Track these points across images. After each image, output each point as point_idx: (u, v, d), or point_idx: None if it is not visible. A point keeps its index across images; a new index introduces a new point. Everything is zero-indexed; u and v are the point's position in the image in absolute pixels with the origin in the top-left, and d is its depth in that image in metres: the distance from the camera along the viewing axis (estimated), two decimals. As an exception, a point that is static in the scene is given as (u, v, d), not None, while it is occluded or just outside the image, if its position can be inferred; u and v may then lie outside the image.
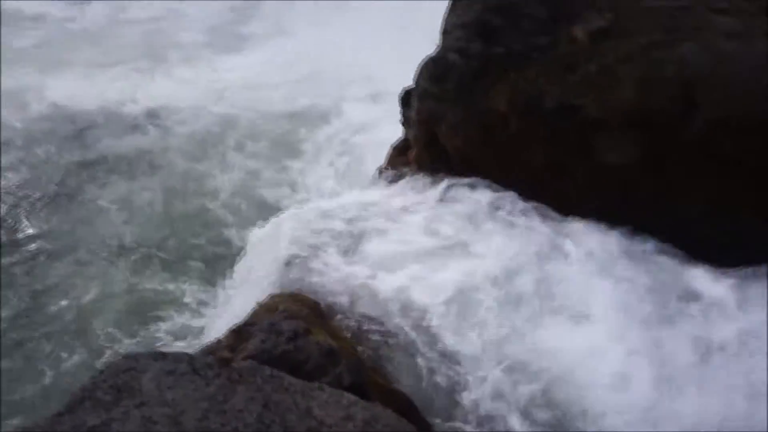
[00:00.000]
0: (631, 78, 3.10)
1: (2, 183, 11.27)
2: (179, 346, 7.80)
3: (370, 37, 16.56)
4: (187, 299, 8.47)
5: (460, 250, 3.02)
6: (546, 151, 3.29)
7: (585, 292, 2.79)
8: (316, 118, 13.56)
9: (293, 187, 11.11)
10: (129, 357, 1.93)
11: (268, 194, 10.84)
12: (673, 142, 3.02)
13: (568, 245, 3.00)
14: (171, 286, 8.72)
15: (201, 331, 7.98)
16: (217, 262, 9.17)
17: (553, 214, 3.32)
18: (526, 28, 3.41)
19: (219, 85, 14.83)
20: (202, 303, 8.44)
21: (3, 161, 12.05)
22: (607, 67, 3.23)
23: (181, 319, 8.14)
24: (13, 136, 13.11)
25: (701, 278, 2.82)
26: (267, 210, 10.14)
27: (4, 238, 9.85)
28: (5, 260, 9.35)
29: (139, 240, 9.77)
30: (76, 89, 15.08)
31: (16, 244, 9.80)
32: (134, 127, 13.39)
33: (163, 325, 7.98)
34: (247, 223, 9.94)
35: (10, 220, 10.36)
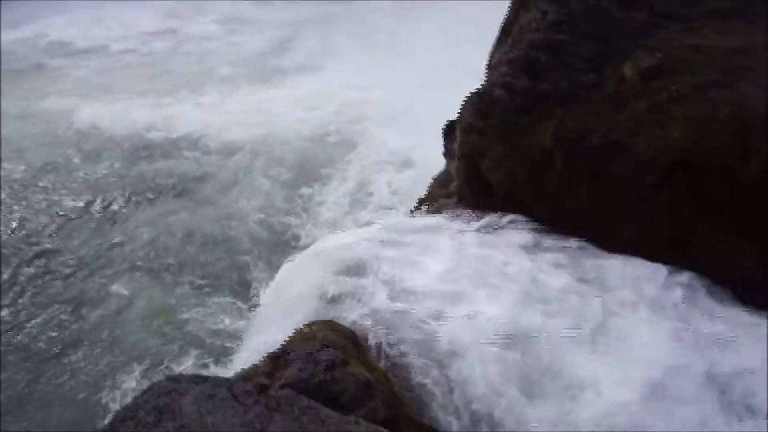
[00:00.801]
0: (683, 118, 3.03)
1: (43, 201, 11.89)
2: (205, 363, 7.94)
3: (403, 73, 16.96)
4: (216, 319, 8.63)
5: (499, 286, 2.97)
6: (592, 189, 3.22)
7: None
8: (343, 148, 13.86)
9: (319, 214, 11.28)
10: (171, 379, 1.96)
11: (293, 220, 11.05)
12: (728, 184, 2.92)
13: (614, 285, 2.91)
14: (200, 305, 8.89)
15: (230, 350, 8.10)
16: (245, 283, 9.35)
17: (598, 251, 3.25)
18: (573, 66, 3.40)
19: (249, 115, 15.37)
20: (232, 323, 8.59)
21: (41, 179, 12.75)
22: (657, 105, 3.18)
23: (209, 338, 8.29)
24: (50, 157, 13.87)
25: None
26: (293, 236, 10.37)
27: (46, 254, 10.37)
28: (48, 275, 9.78)
29: (170, 260, 10.05)
30: (110, 115, 15.86)
31: (58, 260, 10.23)
32: (165, 151, 13.97)
33: (192, 342, 8.16)
34: (273, 246, 10.17)
35: (50, 237, 10.86)
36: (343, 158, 13.07)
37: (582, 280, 2.87)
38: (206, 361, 7.79)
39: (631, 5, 3.59)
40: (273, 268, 9.40)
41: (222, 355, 7.92)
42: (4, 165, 13.33)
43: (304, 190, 11.70)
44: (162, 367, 7.69)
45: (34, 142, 14.51)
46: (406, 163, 12.61)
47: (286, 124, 14.58)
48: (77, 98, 16.80)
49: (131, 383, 7.51)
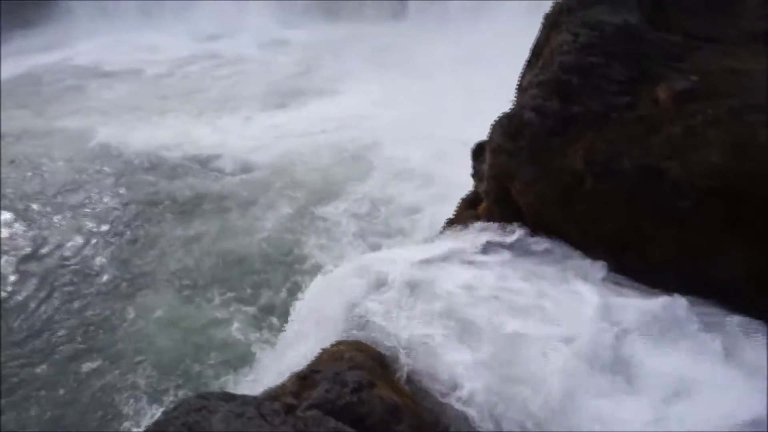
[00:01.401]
0: (720, 142, 2.97)
1: (65, 219, 12.25)
2: (227, 379, 7.98)
3: (422, 94, 17.09)
4: (239, 334, 8.72)
5: (528, 312, 2.92)
6: (625, 213, 3.17)
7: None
8: (361, 169, 13.98)
9: (336, 234, 11.33)
10: (201, 396, 1.98)
11: (312, 240, 11.11)
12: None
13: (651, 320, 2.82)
14: (222, 321, 9.00)
15: (253, 365, 8.14)
16: (268, 301, 9.45)
17: (632, 281, 3.17)
18: (605, 88, 3.37)
19: (270, 136, 15.65)
20: (255, 339, 8.66)
21: (64, 197, 13.17)
22: (692, 129, 3.12)
23: (232, 353, 8.37)
24: (72, 175, 14.32)
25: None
26: (310, 255, 10.44)
27: (69, 271, 10.66)
28: (72, 291, 10.05)
29: (193, 276, 10.23)
30: (134, 135, 16.34)
31: (82, 275, 10.50)
32: (187, 171, 14.31)
33: (214, 357, 8.24)
34: (291, 264, 10.26)
35: (73, 254, 11.17)
36: (361, 178, 13.21)
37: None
38: (228, 377, 7.87)
39: (665, 28, 3.56)
40: (292, 286, 9.52)
41: (244, 368, 8.01)
42: (28, 183, 13.88)
43: (323, 210, 11.83)
44: (185, 381, 7.82)
45: (57, 160, 15.09)
46: (425, 183, 12.67)
47: (306, 145, 14.87)
48: (103, 118, 17.43)
49: (154, 397, 7.62)
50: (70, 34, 27.42)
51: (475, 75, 17.34)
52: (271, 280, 9.76)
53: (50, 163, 14.88)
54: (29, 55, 25.19)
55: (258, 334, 8.56)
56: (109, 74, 22.17)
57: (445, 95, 16.66)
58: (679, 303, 2.78)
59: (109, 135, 15.97)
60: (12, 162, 15.85)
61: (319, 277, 3.56)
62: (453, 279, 2.93)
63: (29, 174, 14.20)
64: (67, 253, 10.91)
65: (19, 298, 9.75)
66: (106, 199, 12.79)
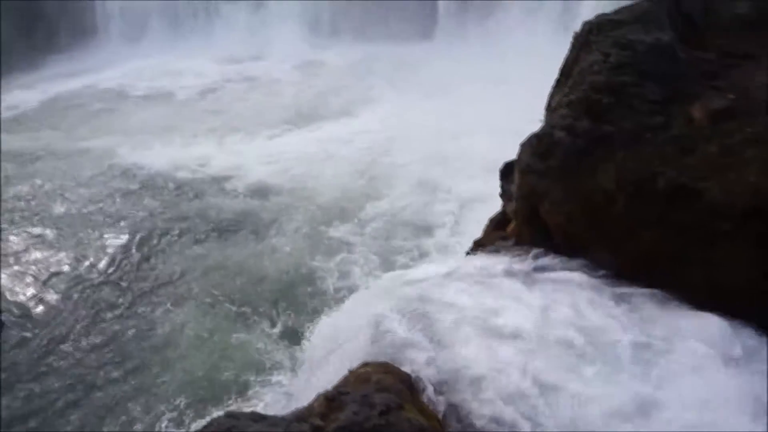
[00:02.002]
0: (759, 161, 2.88)
1: (89, 237, 12.56)
2: (254, 397, 8.00)
3: (446, 115, 17.13)
4: (264, 354, 8.75)
5: (558, 336, 2.85)
6: (659, 235, 3.09)
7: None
8: (383, 188, 14.02)
9: (356, 253, 11.33)
10: (230, 416, 1.98)
11: (330, 260, 11.13)
12: (811, 232, 2.73)
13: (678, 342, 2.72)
14: (248, 340, 9.08)
15: (279, 385, 8.16)
16: (292, 322, 9.47)
17: (667, 303, 3.08)
18: (638, 108, 3.32)
19: (291, 157, 15.86)
20: (280, 359, 8.67)
21: (87, 215, 13.52)
22: (730, 148, 3.04)
23: (257, 373, 8.40)
24: (95, 194, 14.71)
25: None
26: (334, 276, 10.46)
27: (93, 286, 10.91)
28: (95, 307, 10.25)
29: (216, 295, 10.35)
30: (156, 155, 16.79)
31: (105, 292, 10.73)
32: (208, 191, 14.53)
33: (240, 376, 8.29)
34: (317, 284, 10.29)
35: (97, 271, 11.42)
36: (381, 198, 13.27)
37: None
38: (253, 396, 7.91)
39: (699, 46, 3.50)
40: (315, 305, 9.56)
41: (268, 387, 8.04)
42: (52, 202, 14.34)
43: (344, 229, 11.91)
44: (208, 398, 7.89)
45: (80, 179, 15.57)
46: (446, 202, 12.66)
47: (328, 165, 15.05)
48: (129, 140, 17.95)
49: (176, 413, 7.69)
50: (103, 59, 28.51)
51: (498, 95, 17.43)
52: (293, 300, 9.82)
53: (73, 181, 15.39)
54: (62, 80, 26.26)
55: (282, 354, 8.61)
56: (139, 98, 22.92)
57: (468, 116, 16.78)
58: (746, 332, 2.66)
59: (133, 156, 16.49)
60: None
61: (349, 299, 3.55)
62: (481, 302, 2.89)
63: (51, 192, 14.75)
64: (89, 270, 11.21)
65: (41, 312, 10.06)
66: (127, 218, 13.11)
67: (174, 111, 21.01)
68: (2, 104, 23.13)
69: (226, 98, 22.24)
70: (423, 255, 10.96)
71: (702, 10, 3.86)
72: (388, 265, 10.51)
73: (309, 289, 10.03)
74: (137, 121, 19.82)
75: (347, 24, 28.45)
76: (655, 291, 2.96)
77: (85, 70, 27.48)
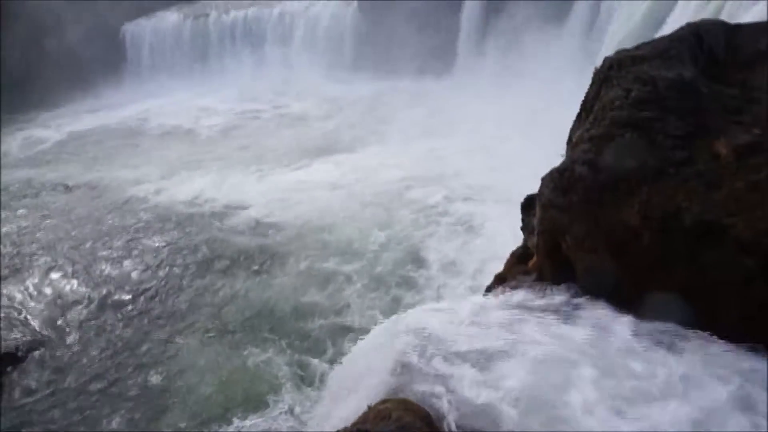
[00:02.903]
0: (788, 197, 2.82)
1: (110, 267, 12.73)
2: (267, 422, 7.96)
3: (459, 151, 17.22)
4: (283, 387, 8.73)
5: (582, 374, 2.77)
6: (687, 272, 3.02)
7: None
8: (394, 221, 14.06)
9: (367, 287, 11.29)
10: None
11: (344, 294, 11.10)
12: None
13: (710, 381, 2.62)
14: (260, 373, 9.11)
15: (297, 417, 8.10)
16: (313, 352, 9.45)
17: (688, 342, 2.98)
18: (661, 143, 3.29)
19: (304, 190, 16.08)
20: (300, 390, 8.62)
21: (108, 244, 13.76)
22: (757, 184, 2.99)
23: (271, 399, 8.40)
24: (116, 224, 14.99)
25: None
26: (344, 309, 10.43)
27: (114, 314, 11.03)
28: (115, 334, 10.35)
29: (226, 326, 10.44)
30: (177, 187, 17.18)
31: (125, 320, 10.83)
32: (221, 224, 14.76)
33: (255, 410, 8.28)
34: (330, 318, 10.28)
35: (118, 300, 11.55)
36: (392, 230, 13.32)
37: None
38: (261, 423, 7.91)
39: (722, 81, 3.48)
40: (328, 339, 9.54)
41: (284, 419, 8.02)
42: (75, 230, 14.66)
43: (355, 263, 11.98)
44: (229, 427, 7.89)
45: (93, 210, 15.95)
46: (460, 236, 12.64)
47: (340, 199, 15.24)
48: (147, 174, 18.52)
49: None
50: (130, 94, 29.56)
51: (515, 130, 17.57)
52: (305, 334, 9.87)
53: (86, 213, 15.78)
54: (90, 114, 27.28)
55: (295, 388, 8.58)
56: (160, 134, 23.69)
57: (483, 150, 16.94)
58: None
59: (148, 189, 17.00)
60: (68, 187, 16.83)
61: (370, 333, 3.52)
62: (502, 341, 2.83)
63: (65, 225, 15.11)
64: (101, 299, 11.44)
65: (54, 337, 10.21)
66: (146, 249, 13.38)
67: (193, 147, 21.61)
68: (27, 139, 24.07)
69: (244, 134, 22.83)
70: (432, 288, 10.89)
71: (724, 45, 3.86)
72: (396, 299, 10.52)
73: (323, 324, 10.07)
74: (157, 157, 20.41)
75: (368, 59, 29.11)
76: (690, 331, 2.87)
77: (111, 105, 28.50)
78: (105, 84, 30.62)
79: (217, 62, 31.65)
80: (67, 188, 17.92)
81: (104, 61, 30.88)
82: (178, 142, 22.49)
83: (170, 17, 33.56)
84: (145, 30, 33.33)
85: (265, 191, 16.13)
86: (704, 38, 3.83)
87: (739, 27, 4.15)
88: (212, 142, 22.16)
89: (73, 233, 14.55)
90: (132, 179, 17.98)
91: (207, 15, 33.02)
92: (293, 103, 26.54)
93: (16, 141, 24.20)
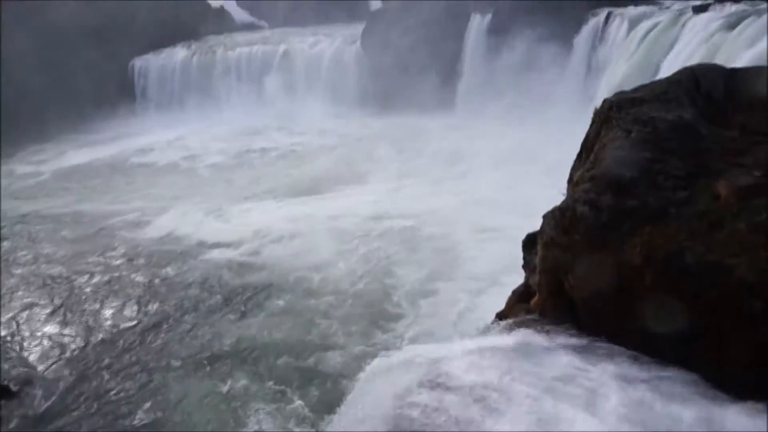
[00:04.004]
0: (790, 239, 2.82)
1: (102, 301, 12.62)
2: None
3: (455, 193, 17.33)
4: (281, 422, 8.60)
5: (585, 422, 2.69)
6: (690, 312, 2.98)
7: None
8: (393, 257, 14.02)
9: (386, 329, 11.17)
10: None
11: (341, 333, 10.98)
12: None
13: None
14: (261, 405, 8.98)
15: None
16: (314, 391, 9.29)
17: (700, 387, 2.92)
18: (662, 183, 3.31)
19: (295, 228, 16.10)
20: (296, 426, 8.48)
21: (96, 282, 13.65)
22: (759, 226, 2.99)
23: None
24: (109, 262, 14.91)
25: None
26: (342, 349, 10.31)
27: (110, 348, 10.90)
28: (112, 369, 10.20)
29: (219, 362, 10.30)
30: (172, 221, 17.20)
31: (121, 353, 10.68)
32: (210, 258, 14.72)
33: None
34: (329, 356, 10.16)
35: (110, 334, 11.42)
36: (395, 267, 13.29)
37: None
38: None
39: (721, 123, 3.53)
40: (326, 376, 9.43)
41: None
42: (62, 264, 14.63)
43: (334, 300, 11.96)
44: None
45: (90, 243, 15.94)
46: (457, 275, 12.58)
47: (325, 236, 15.27)
48: (139, 206, 18.61)
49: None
50: (136, 129, 29.98)
51: (512, 168, 17.76)
52: (300, 372, 9.76)
53: (73, 247, 15.77)
54: (90, 148, 27.63)
55: (302, 422, 8.49)
56: (159, 168, 23.98)
57: (474, 189, 17.09)
58: None
59: (136, 224, 17.11)
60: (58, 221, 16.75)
61: (367, 369, 3.45)
62: (508, 380, 2.77)
63: (61, 260, 15.08)
64: (89, 336, 11.38)
65: (44, 372, 10.08)
66: (131, 287, 13.35)
67: (188, 181, 21.79)
68: (12, 174, 24.22)
69: (241, 170, 23.06)
70: (422, 326, 10.80)
71: (722, 88, 3.93)
72: (408, 339, 10.40)
73: (318, 361, 9.98)
74: (149, 192, 20.57)
75: (370, 96, 29.64)
76: (694, 376, 2.81)
77: (113, 138, 28.87)
78: (109, 117, 31.08)
79: (221, 98, 32.23)
80: (58, 222, 17.97)
81: (111, 95, 31.45)
82: (173, 176, 22.71)
83: (178, 53, 34.35)
84: (153, 65, 34.08)
85: (254, 227, 16.22)
86: (701, 81, 3.90)
87: (736, 71, 4.23)
88: (208, 178, 22.39)
89: (60, 268, 14.53)
90: (123, 213, 18.09)
91: (214, 51, 33.81)
92: (293, 139, 26.90)
93: (7, 175, 24.36)
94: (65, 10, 31.63)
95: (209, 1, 44.98)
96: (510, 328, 3.45)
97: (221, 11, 45.17)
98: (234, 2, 47.72)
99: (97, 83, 31.09)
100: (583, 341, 3.08)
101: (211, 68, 33.24)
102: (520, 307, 3.96)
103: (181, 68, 33.70)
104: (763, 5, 18.03)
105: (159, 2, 36.94)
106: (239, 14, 47.13)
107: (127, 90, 33.55)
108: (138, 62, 34.49)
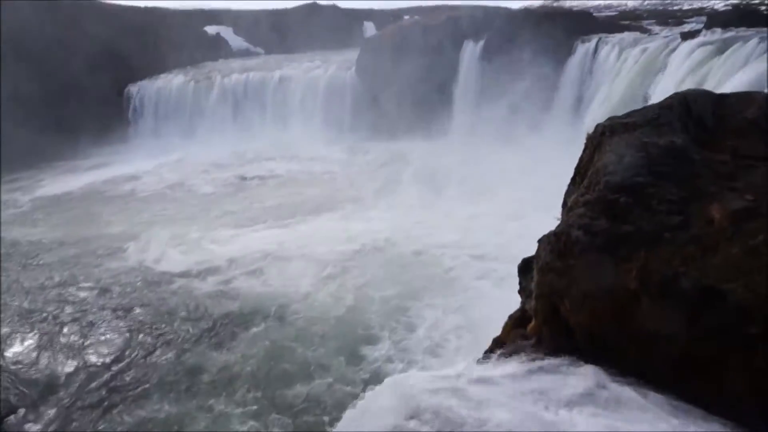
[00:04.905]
0: (786, 264, 2.81)
1: (103, 325, 12.51)
2: None
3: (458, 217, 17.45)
4: None
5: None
6: (687, 337, 2.96)
7: None
8: (388, 281, 14.03)
9: (369, 355, 11.11)
10: None
11: (333, 363, 10.91)
12: None
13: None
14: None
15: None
16: (290, 419, 9.21)
17: (698, 412, 2.88)
18: (656, 208, 3.32)
19: (279, 257, 16.15)
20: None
21: (99, 303, 13.49)
22: (753, 250, 2.98)
23: None
24: (107, 282, 14.84)
25: None
26: (334, 375, 10.23)
27: (107, 375, 10.75)
28: (109, 398, 10.04)
29: (216, 390, 10.18)
30: (166, 245, 17.23)
31: (119, 383, 10.54)
32: (202, 284, 14.68)
33: None
34: (316, 381, 10.06)
35: (108, 361, 11.30)
36: (390, 292, 13.27)
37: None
38: None
39: (712, 148, 3.56)
40: (316, 404, 9.36)
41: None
42: (52, 291, 14.47)
43: (315, 325, 11.92)
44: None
45: (80, 269, 15.79)
46: (452, 300, 12.55)
47: (333, 257, 15.27)
48: (133, 233, 18.58)
49: None
50: (130, 155, 30.06)
51: (503, 191, 17.92)
52: (288, 402, 9.65)
53: (62, 273, 15.66)
54: (84, 173, 27.64)
55: None
56: (149, 195, 23.99)
57: (458, 215, 17.22)
58: None
59: (125, 250, 17.05)
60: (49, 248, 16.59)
61: (362, 396, 3.38)
62: (499, 410, 2.71)
63: (37, 282, 14.93)
64: (75, 362, 11.22)
65: (34, 398, 9.91)
66: (120, 315, 13.23)
67: (180, 208, 21.80)
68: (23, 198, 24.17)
69: (233, 196, 23.12)
70: (436, 349, 10.73)
71: (712, 113, 3.98)
72: (403, 366, 10.33)
73: (309, 389, 9.90)
74: (138, 218, 20.54)
75: (366, 121, 29.89)
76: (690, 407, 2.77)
77: (106, 164, 28.89)
78: (101, 143, 31.13)
79: (216, 124, 32.41)
80: (48, 248, 17.88)
81: (105, 121, 31.58)
82: (160, 204, 22.73)
83: (174, 79, 34.65)
84: (148, 91, 34.34)
85: (236, 254, 16.24)
86: (692, 107, 3.95)
87: (724, 96, 4.29)
88: (196, 205, 22.42)
89: (49, 295, 14.39)
90: (112, 239, 18.03)
91: (210, 78, 34.14)
92: (289, 165, 27.04)
93: None
94: (58, 35, 31.95)
95: (206, 28, 45.62)
96: (507, 356, 3.41)
97: (217, 38, 45.81)
98: (230, 29, 48.43)
99: (91, 109, 31.25)
100: (581, 369, 3.04)
101: (207, 94, 33.53)
102: (517, 333, 3.92)
103: (176, 94, 33.99)
104: (748, 31, 18.45)
105: (155, 28, 37.43)
106: (235, 41, 47.83)
107: (121, 116, 33.73)
108: (133, 88, 34.75)
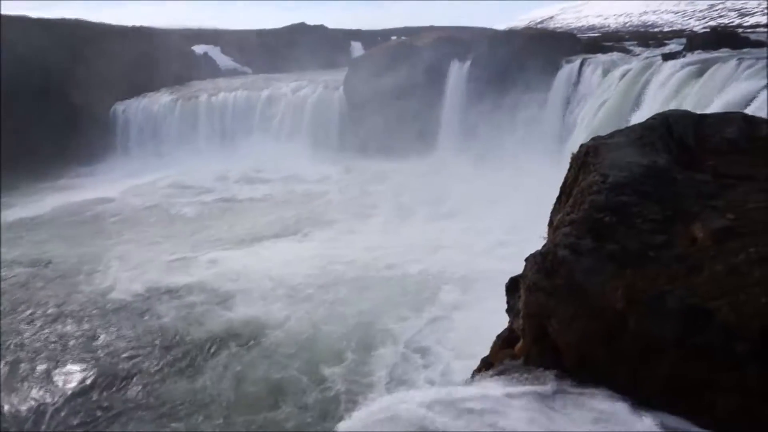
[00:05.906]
0: (767, 281, 2.84)
1: (81, 347, 12.30)
2: None
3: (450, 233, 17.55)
4: None
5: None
6: (677, 357, 2.96)
7: None
8: (373, 302, 14.04)
9: (366, 372, 11.06)
10: None
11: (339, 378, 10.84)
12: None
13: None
14: None
15: None
16: None
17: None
18: (640, 227, 3.35)
19: (253, 280, 16.09)
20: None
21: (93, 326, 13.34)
22: (736, 268, 3.01)
23: None
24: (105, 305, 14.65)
25: None
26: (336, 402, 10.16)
27: (101, 394, 10.58)
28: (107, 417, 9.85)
29: (198, 415, 10.05)
30: (159, 262, 17.10)
31: (113, 403, 10.35)
32: (192, 306, 14.53)
33: None
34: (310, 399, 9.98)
35: (102, 383, 11.12)
36: (376, 310, 13.25)
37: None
38: None
39: (694, 167, 3.61)
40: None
41: None
42: (27, 313, 14.24)
43: (296, 346, 11.86)
44: None
45: (58, 292, 15.56)
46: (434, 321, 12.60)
47: (318, 275, 15.26)
48: (114, 253, 18.40)
49: None
50: (115, 174, 29.86)
51: (486, 211, 18.12)
52: (282, 422, 9.56)
53: (39, 296, 15.41)
54: (73, 192, 27.32)
55: None
56: (129, 216, 23.81)
57: (445, 231, 17.34)
58: None
59: (118, 273, 16.81)
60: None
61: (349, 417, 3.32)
62: None
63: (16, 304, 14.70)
64: (53, 387, 10.99)
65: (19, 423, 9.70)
66: (103, 341, 13.03)
67: (162, 229, 21.63)
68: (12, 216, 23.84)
69: (215, 217, 23.04)
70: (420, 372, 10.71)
71: (693, 134, 4.05)
72: (395, 384, 10.30)
73: (304, 411, 9.82)
74: (115, 240, 20.36)
75: (352, 141, 30.03)
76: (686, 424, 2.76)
77: (88, 184, 28.65)
78: (87, 162, 30.89)
79: (203, 143, 32.34)
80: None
81: (90, 139, 31.37)
82: (140, 225, 22.53)
83: (161, 98, 34.60)
84: (135, 110, 34.23)
85: (216, 275, 16.17)
86: (674, 127, 4.02)
87: (705, 117, 4.37)
88: (178, 226, 22.28)
89: (25, 317, 14.16)
90: (87, 262, 17.82)
91: (197, 97, 34.15)
92: (269, 186, 27.02)
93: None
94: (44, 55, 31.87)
95: (193, 47, 45.78)
96: (494, 376, 3.38)
97: (205, 57, 45.96)
98: (218, 48, 48.65)
99: (77, 127, 31.07)
100: (570, 389, 3.02)
101: (195, 113, 33.51)
102: (505, 353, 3.90)
103: (163, 113, 33.94)
104: (727, 53, 18.93)
105: (143, 46, 37.47)
106: (223, 60, 48.03)
107: (107, 134, 33.54)
108: (120, 107, 34.63)
